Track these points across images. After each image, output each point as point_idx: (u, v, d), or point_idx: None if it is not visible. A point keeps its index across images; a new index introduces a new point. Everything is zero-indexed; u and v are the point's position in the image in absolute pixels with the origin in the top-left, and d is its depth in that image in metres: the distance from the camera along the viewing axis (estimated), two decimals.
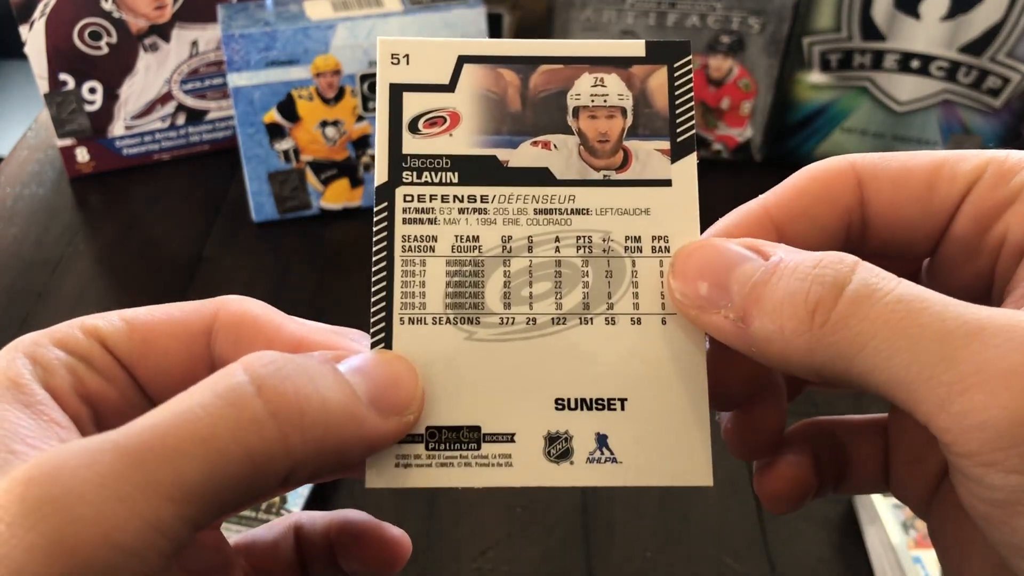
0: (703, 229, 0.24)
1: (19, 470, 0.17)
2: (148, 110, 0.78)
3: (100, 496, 0.17)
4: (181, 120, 0.80)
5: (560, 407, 0.22)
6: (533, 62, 0.24)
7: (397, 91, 0.23)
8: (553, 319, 0.23)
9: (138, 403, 0.22)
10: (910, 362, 0.18)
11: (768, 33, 0.76)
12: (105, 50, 0.74)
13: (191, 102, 0.80)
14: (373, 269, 0.23)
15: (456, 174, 0.23)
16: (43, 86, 0.74)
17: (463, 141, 0.23)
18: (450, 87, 0.23)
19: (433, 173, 0.23)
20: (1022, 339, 0.17)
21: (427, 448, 0.22)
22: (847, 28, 0.74)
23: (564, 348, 0.22)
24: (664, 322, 0.23)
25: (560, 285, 0.23)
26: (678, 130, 0.24)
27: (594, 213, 0.23)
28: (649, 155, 0.24)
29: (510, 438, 0.22)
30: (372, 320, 0.23)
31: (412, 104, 0.23)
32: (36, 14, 0.71)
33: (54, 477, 0.17)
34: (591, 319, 0.23)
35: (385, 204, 0.23)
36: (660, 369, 0.23)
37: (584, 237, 0.23)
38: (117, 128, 0.78)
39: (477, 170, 0.23)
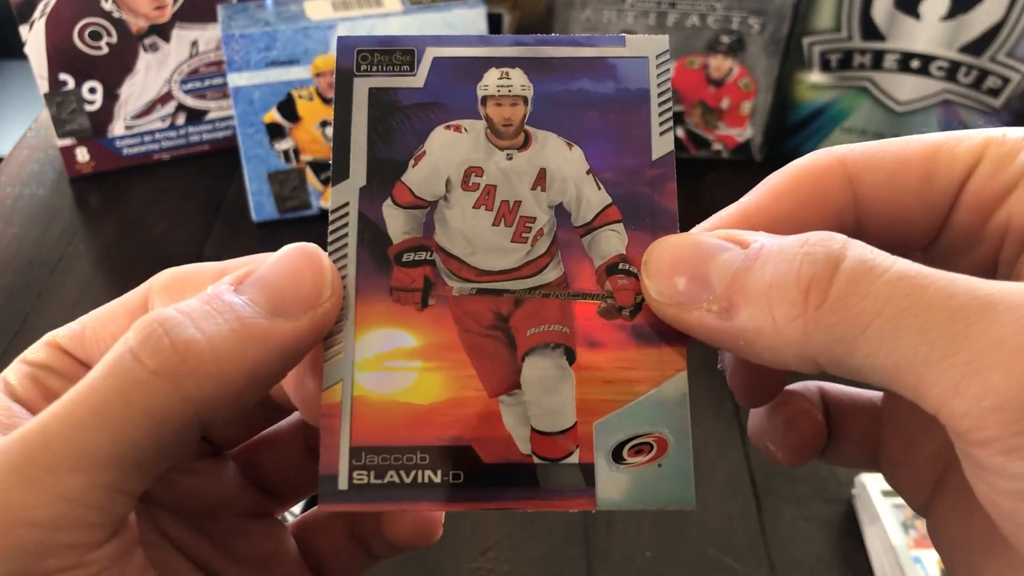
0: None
1: None
2: (148, 110, 0.78)
3: (8, 483, 0.17)
4: (181, 120, 0.80)
5: None
6: None
7: None
8: None
9: None
10: (918, 342, 0.17)
11: (768, 33, 0.76)
12: (105, 50, 0.74)
13: (191, 102, 0.79)
14: None
15: None
16: (43, 86, 0.74)
17: None
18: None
19: None
20: None
21: None
22: (847, 28, 0.74)
23: None
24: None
25: None
26: None
27: None
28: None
29: None
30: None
31: None
32: (36, 14, 0.71)
33: None
34: None
35: None
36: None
37: None
38: (117, 128, 0.78)
39: None
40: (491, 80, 0.24)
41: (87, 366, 0.23)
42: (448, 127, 0.24)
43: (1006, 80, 0.73)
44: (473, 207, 0.23)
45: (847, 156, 0.22)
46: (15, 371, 0.22)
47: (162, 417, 0.18)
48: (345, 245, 0.23)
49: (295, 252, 0.21)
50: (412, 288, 0.23)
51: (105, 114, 0.77)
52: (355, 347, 0.22)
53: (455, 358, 0.22)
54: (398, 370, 0.22)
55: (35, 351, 0.23)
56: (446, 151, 0.24)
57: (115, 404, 0.18)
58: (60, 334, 0.23)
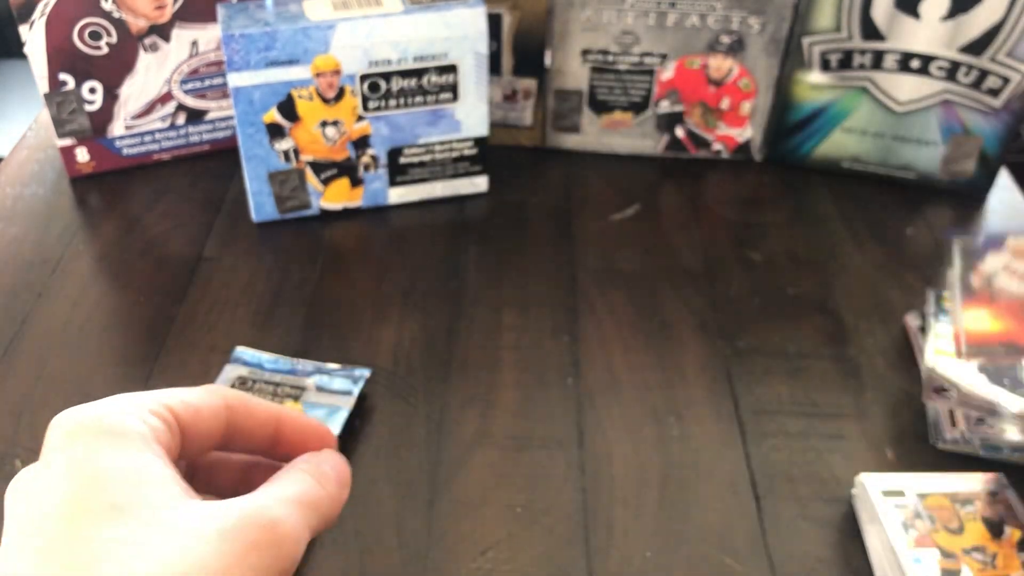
0: None
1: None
2: (148, 110, 0.78)
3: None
4: (181, 120, 0.80)
5: None
6: None
7: None
8: None
9: (178, 453, 0.31)
10: None
11: (768, 33, 0.76)
12: (105, 50, 0.74)
13: (191, 102, 0.80)
14: None
15: None
16: (43, 86, 0.74)
17: None
18: None
19: None
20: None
21: None
22: (847, 28, 0.74)
23: None
24: None
25: None
26: None
27: None
28: None
29: None
30: None
31: None
32: (36, 14, 0.71)
33: None
34: None
35: None
36: None
37: None
38: (117, 128, 0.78)
39: None
40: None
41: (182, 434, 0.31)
42: None
43: (1006, 80, 0.73)
44: None
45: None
46: (156, 423, 0.30)
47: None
48: None
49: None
50: None
51: (105, 114, 0.77)
52: None
53: None
54: None
55: (161, 412, 0.30)
56: None
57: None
58: (173, 406, 0.31)
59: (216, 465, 0.35)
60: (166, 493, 0.28)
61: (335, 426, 0.56)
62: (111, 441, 0.28)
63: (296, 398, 0.57)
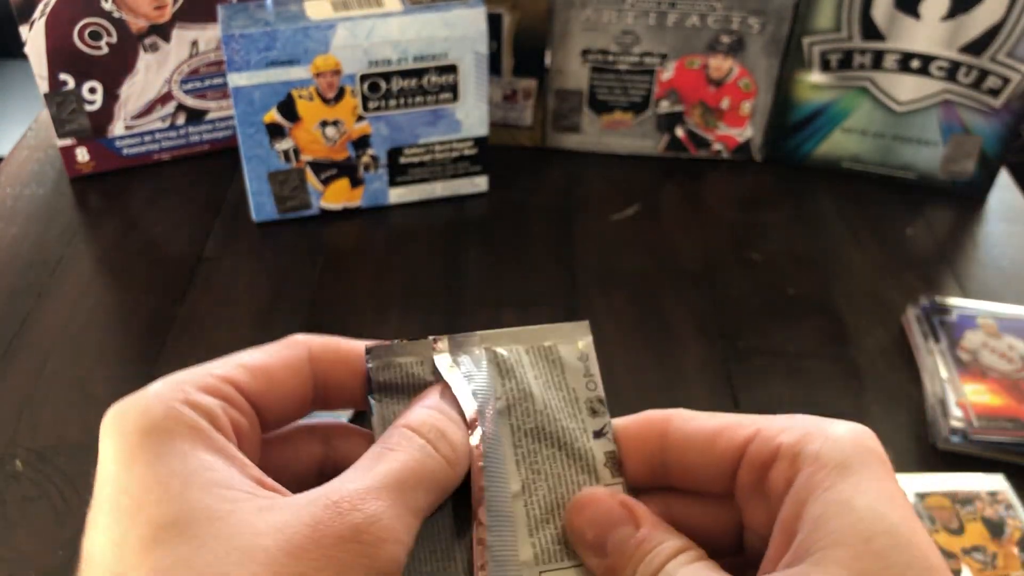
0: None
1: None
2: (148, 110, 0.78)
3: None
4: (181, 120, 0.80)
5: None
6: None
7: None
8: None
9: (258, 428, 0.26)
10: None
11: (768, 33, 0.76)
12: (105, 50, 0.74)
13: (191, 102, 0.79)
14: None
15: None
16: (43, 86, 0.74)
17: None
18: None
19: None
20: None
21: None
22: (847, 28, 0.74)
23: None
24: None
25: None
26: None
27: None
28: None
29: None
30: None
31: None
32: (36, 14, 0.71)
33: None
34: None
35: None
36: None
37: None
38: (117, 128, 0.78)
39: None
40: None
41: (253, 405, 0.26)
42: None
43: (1006, 80, 0.73)
44: None
45: (673, 418, 0.28)
46: (208, 403, 0.24)
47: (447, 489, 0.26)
48: None
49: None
50: None
51: (105, 114, 0.77)
52: None
53: None
54: None
55: (216, 385, 0.25)
56: None
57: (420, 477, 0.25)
58: (232, 373, 0.26)
59: (293, 436, 0.28)
60: (222, 498, 0.23)
61: None
62: (151, 443, 0.23)
63: None
